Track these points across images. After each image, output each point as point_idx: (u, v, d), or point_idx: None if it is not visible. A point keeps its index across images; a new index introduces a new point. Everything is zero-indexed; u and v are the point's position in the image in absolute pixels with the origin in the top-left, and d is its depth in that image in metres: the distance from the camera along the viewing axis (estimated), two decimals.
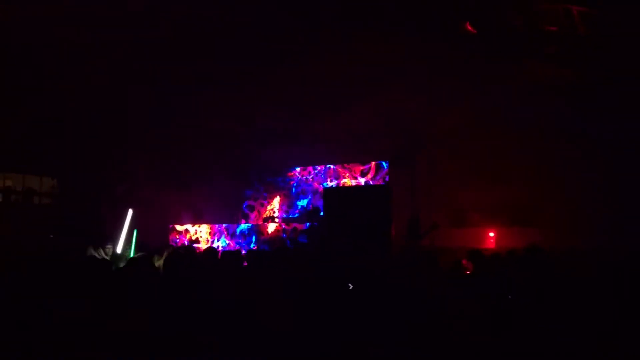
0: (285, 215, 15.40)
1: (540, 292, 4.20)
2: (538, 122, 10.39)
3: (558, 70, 9.08)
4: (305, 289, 4.49)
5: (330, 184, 14.91)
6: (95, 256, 7.37)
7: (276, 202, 15.77)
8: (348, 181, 14.71)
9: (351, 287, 4.67)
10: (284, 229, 13.47)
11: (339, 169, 14.90)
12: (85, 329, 3.69)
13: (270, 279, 4.89)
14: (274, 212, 15.59)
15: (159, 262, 6.87)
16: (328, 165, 15.03)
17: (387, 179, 14.11)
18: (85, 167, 13.89)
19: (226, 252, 6.56)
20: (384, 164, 14.22)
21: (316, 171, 15.25)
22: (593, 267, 4.84)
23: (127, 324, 3.83)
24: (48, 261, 5.00)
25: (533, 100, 9.94)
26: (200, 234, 14.62)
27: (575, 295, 4.08)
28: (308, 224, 13.16)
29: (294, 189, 15.54)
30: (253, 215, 16.03)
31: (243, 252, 9.44)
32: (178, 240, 14.63)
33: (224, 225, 14.39)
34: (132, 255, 9.99)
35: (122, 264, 6.18)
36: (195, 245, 13.35)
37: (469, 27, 8.60)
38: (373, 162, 14.39)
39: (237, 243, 13.96)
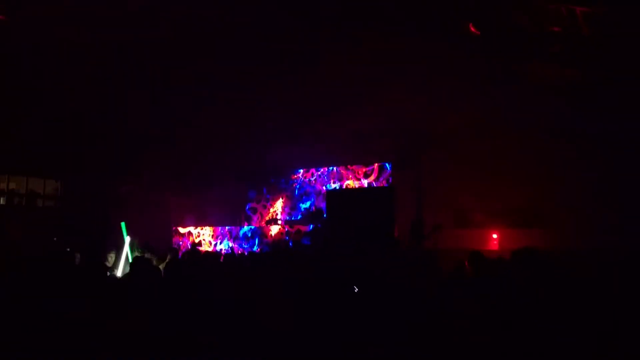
0: (288, 218, 15.40)
1: (540, 292, 4.18)
2: (543, 122, 10.36)
3: (561, 70, 9.06)
4: (305, 289, 4.49)
5: (334, 185, 14.90)
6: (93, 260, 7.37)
7: (279, 204, 15.77)
8: (351, 183, 14.70)
9: (357, 289, 4.68)
10: (287, 232, 13.48)
11: (342, 171, 14.88)
12: (85, 329, 3.71)
13: (270, 279, 4.90)
14: (277, 215, 15.59)
15: (161, 265, 6.90)
16: (331, 167, 15.03)
17: (390, 180, 14.10)
18: (89, 169, 13.93)
19: (228, 255, 6.59)
20: (387, 165, 14.20)
21: (319, 173, 15.24)
22: (593, 267, 4.82)
23: (127, 324, 3.84)
24: (48, 262, 5.02)
25: (537, 100, 9.90)
26: (203, 236, 14.65)
27: (575, 295, 4.07)
28: (311, 226, 13.17)
29: (296, 191, 15.54)
30: (256, 217, 16.03)
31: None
32: (181, 243, 14.66)
33: (226, 227, 14.41)
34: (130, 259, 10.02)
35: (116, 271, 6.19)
36: (198, 247, 13.39)
37: (472, 29, 8.60)
38: (376, 164, 14.38)
39: (240, 246, 13.98)
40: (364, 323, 4.16)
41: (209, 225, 14.71)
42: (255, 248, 13.74)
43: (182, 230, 14.91)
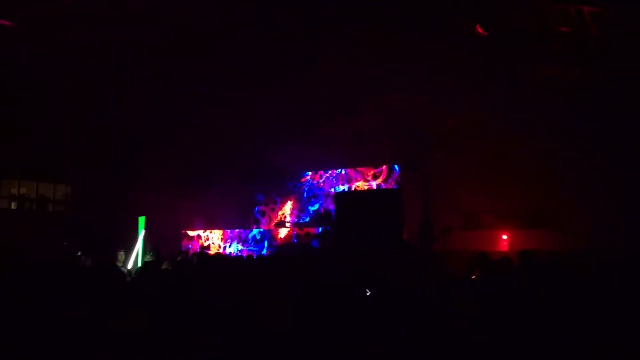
0: (296, 220, 15.41)
1: (540, 292, 4.16)
2: (542, 122, 10.31)
3: (563, 70, 9.01)
4: (306, 289, 4.50)
5: (342, 187, 14.89)
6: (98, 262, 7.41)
7: (288, 206, 15.78)
8: (360, 184, 14.69)
9: (368, 292, 4.67)
10: (296, 234, 13.48)
11: (351, 173, 14.88)
12: (85, 329, 3.74)
13: (271, 280, 4.91)
14: (285, 217, 15.61)
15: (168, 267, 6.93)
16: (339, 170, 15.02)
17: (399, 181, 14.07)
18: (98, 174, 14.04)
19: (233, 258, 6.61)
20: (395, 167, 14.18)
21: (327, 175, 15.24)
22: (593, 267, 4.78)
23: (127, 324, 3.87)
24: (48, 263, 5.07)
25: (537, 100, 9.86)
26: (212, 239, 14.69)
27: (576, 295, 4.04)
28: (320, 228, 13.16)
29: (305, 194, 15.55)
30: (264, 220, 16.06)
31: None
32: (190, 246, 14.71)
33: (236, 230, 14.45)
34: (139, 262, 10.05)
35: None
36: (206, 251, 13.44)
37: (480, 30, 8.57)
38: (385, 165, 14.36)
39: (249, 249, 14.00)
40: (364, 323, 4.16)
41: (218, 229, 14.75)
42: (264, 251, 13.75)
43: (191, 233, 14.97)
